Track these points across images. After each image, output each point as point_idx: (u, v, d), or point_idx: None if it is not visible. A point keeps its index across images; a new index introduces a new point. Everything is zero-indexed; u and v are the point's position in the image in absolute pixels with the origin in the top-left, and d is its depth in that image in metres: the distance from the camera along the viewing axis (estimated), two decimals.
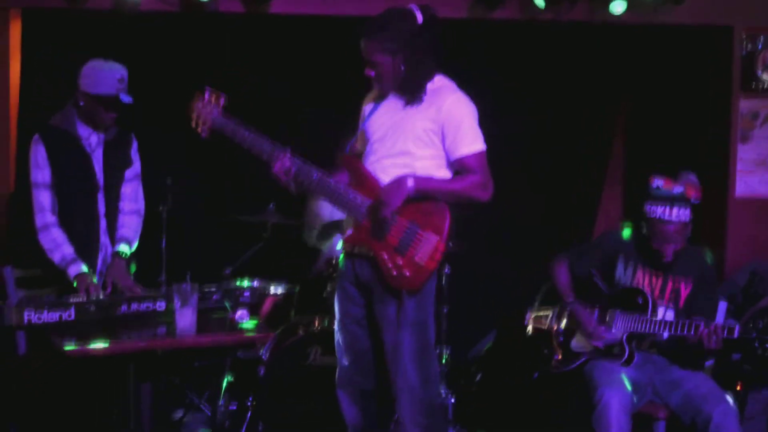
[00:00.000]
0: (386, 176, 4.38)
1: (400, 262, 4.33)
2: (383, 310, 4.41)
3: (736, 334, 4.73)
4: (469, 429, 5.92)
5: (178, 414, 5.95)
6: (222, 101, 4.44)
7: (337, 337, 4.61)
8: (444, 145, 4.36)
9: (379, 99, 4.50)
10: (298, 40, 6.77)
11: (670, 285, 5.09)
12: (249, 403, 5.41)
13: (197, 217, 6.48)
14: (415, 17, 4.31)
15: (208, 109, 4.43)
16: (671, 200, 4.96)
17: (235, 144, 4.42)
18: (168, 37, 6.56)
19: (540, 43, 6.91)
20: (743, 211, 6.88)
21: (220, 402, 5.51)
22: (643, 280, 5.12)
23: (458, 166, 4.38)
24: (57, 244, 5.02)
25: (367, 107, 4.59)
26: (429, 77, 4.39)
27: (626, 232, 5.26)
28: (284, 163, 4.34)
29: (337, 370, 4.62)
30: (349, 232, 4.46)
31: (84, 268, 4.97)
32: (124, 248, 5.18)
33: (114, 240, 5.23)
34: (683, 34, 6.98)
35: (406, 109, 4.39)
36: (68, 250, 5.01)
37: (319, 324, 5.53)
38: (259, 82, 6.72)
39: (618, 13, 6.61)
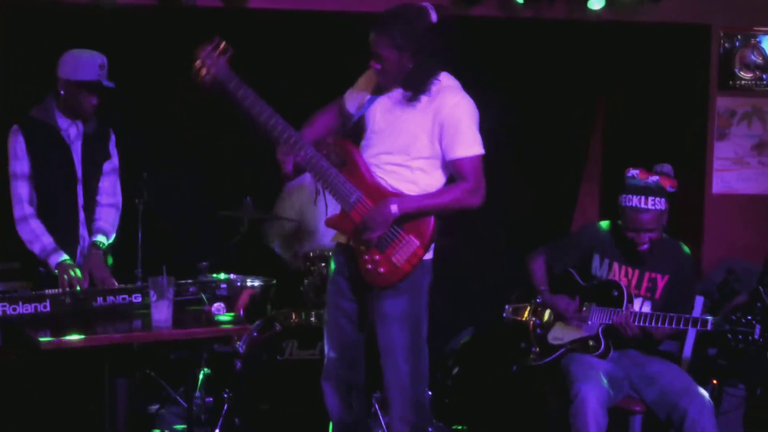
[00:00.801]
0: (381, 172, 4.38)
1: (377, 257, 4.33)
2: (377, 305, 4.40)
3: (709, 327, 4.76)
4: (446, 423, 5.93)
5: (154, 407, 5.94)
6: (229, 53, 4.37)
7: (326, 329, 4.60)
8: (441, 146, 4.33)
9: (383, 90, 4.45)
10: (277, 35, 6.76)
11: (646, 278, 5.11)
12: (225, 397, 5.41)
13: (174, 210, 6.46)
14: (428, 16, 4.26)
15: (214, 57, 4.35)
16: (646, 190, 4.98)
17: (227, 110, 4.44)
18: (149, 31, 6.53)
19: (519, 40, 6.92)
20: (720, 208, 6.90)
21: (196, 395, 5.51)
22: (618, 273, 5.14)
23: (451, 168, 4.36)
24: (36, 235, 5.00)
25: (365, 91, 4.52)
26: (434, 76, 4.34)
27: (604, 225, 5.28)
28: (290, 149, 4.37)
29: (324, 362, 4.61)
30: (334, 214, 4.47)
31: (65, 257, 4.95)
32: (102, 239, 5.16)
33: (92, 232, 5.21)
34: (661, 32, 6.99)
35: (407, 106, 4.35)
36: (48, 240, 4.99)
37: (296, 318, 5.53)
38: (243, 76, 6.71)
39: (596, 10, 6.62)
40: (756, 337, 4.66)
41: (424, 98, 4.32)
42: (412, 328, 4.37)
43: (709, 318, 4.78)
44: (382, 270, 4.32)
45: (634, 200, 5.00)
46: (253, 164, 6.29)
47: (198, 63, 4.35)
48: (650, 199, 4.98)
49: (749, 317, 4.68)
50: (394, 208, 4.25)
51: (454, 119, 4.29)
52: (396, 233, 4.31)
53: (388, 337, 4.37)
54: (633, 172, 5.06)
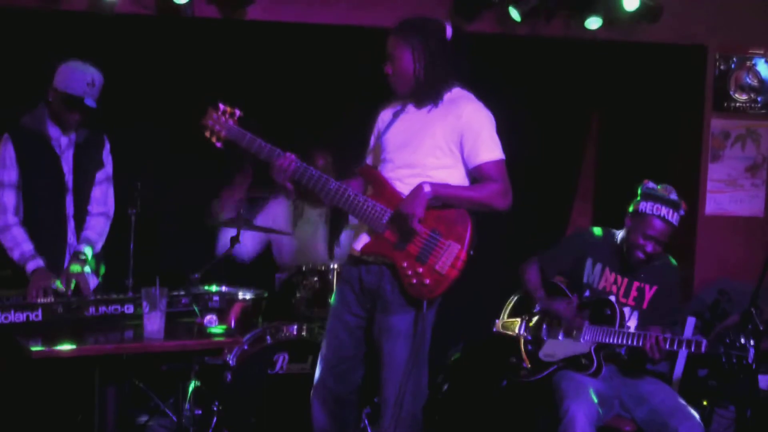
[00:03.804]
0: (403, 185, 4.39)
1: (420, 270, 4.31)
2: (386, 320, 4.40)
3: (703, 349, 4.76)
4: None
5: (143, 419, 5.92)
6: (237, 113, 4.50)
7: (324, 340, 4.59)
8: (462, 154, 4.37)
9: (398, 111, 4.52)
10: (274, 47, 6.76)
11: (634, 287, 5.13)
12: (215, 409, 5.39)
13: (167, 221, 6.45)
14: (444, 30, 4.39)
15: (222, 122, 4.48)
16: (669, 203, 5.03)
17: (217, 151, 4.53)
18: (145, 40, 6.53)
19: (516, 55, 6.93)
20: (712, 229, 6.94)
21: (186, 407, 5.48)
22: (609, 279, 5.14)
23: (477, 174, 4.38)
24: (17, 242, 4.99)
25: (383, 119, 4.60)
26: (446, 87, 4.42)
27: (597, 231, 5.29)
28: (284, 161, 4.39)
29: (316, 373, 4.60)
30: (365, 240, 4.45)
31: (42, 264, 4.94)
32: (86, 249, 5.15)
33: (78, 241, 5.20)
34: (658, 52, 7.02)
35: (424, 118, 4.41)
36: (28, 247, 4.99)
37: (287, 331, 5.51)
38: (237, 87, 6.71)
39: (593, 29, 6.64)
40: (750, 360, 4.67)
41: (439, 109, 4.39)
42: (417, 345, 4.36)
43: (703, 340, 4.78)
44: (427, 281, 4.30)
45: (657, 208, 5.02)
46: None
47: (207, 132, 4.52)
48: (671, 211, 5.02)
49: (743, 341, 4.69)
50: (426, 187, 4.27)
51: (476, 125, 4.35)
52: (435, 241, 4.30)
53: (393, 352, 4.36)
54: (652, 184, 5.09)
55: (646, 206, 5.04)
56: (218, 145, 4.51)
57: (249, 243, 6.27)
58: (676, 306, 5.30)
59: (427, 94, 4.40)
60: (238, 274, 6.20)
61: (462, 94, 4.44)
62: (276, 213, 6.42)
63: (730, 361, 4.68)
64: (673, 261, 5.25)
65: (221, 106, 4.50)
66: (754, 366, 4.66)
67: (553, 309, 5.18)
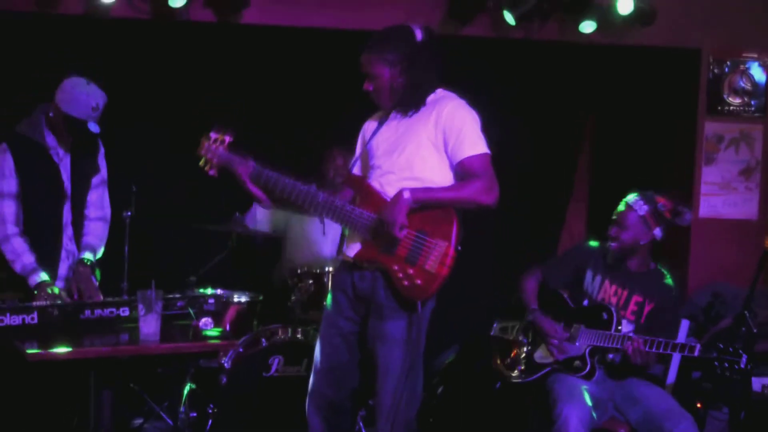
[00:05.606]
0: (392, 189, 4.37)
1: (411, 272, 4.30)
2: (380, 326, 4.38)
3: (696, 353, 4.77)
4: None
5: (138, 421, 5.92)
6: (227, 139, 4.51)
7: (318, 346, 4.58)
8: (446, 151, 4.36)
9: (383, 119, 4.53)
10: (270, 50, 6.77)
11: (633, 300, 5.14)
12: (210, 412, 5.40)
13: (162, 224, 6.45)
14: (413, 34, 4.39)
15: (213, 149, 4.50)
16: (638, 192, 5.12)
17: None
18: (142, 43, 6.53)
19: (510, 59, 6.94)
20: (706, 232, 6.95)
21: (181, 410, 5.49)
22: (609, 291, 5.16)
23: (461, 170, 4.36)
24: (17, 254, 4.95)
25: (368, 128, 4.61)
26: (429, 91, 4.44)
27: (594, 243, 5.32)
28: (242, 167, 4.43)
29: (311, 379, 4.59)
30: (357, 248, 4.44)
31: (44, 277, 4.93)
32: (89, 256, 5.14)
33: (80, 248, 5.19)
34: (652, 56, 7.03)
35: (408, 122, 4.41)
36: (29, 259, 4.96)
37: (282, 334, 5.52)
38: (232, 91, 6.73)
39: (588, 33, 6.65)
40: (742, 366, 4.68)
41: (422, 111, 4.40)
42: (411, 351, 4.35)
43: (697, 345, 4.79)
44: (419, 282, 4.29)
45: (627, 197, 5.13)
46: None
47: (202, 158, 4.53)
48: (638, 200, 5.09)
49: (736, 345, 4.70)
50: (406, 194, 4.26)
51: (456, 122, 4.34)
52: (422, 242, 4.29)
53: (388, 358, 4.35)
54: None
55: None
56: (211, 172, 4.51)
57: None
58: (674, 326, 5.26)
59: (411, 101, 4.41)
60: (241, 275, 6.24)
61: (444, 95, 4.45)
62: (260, 214, 6.47)
63: (723, 366, 4.69)
64: (669, 280, 5.23)
65: (213, 134, 4.51)
66: (746, 369, 4.67)
67: (538, 323, 5.19)
